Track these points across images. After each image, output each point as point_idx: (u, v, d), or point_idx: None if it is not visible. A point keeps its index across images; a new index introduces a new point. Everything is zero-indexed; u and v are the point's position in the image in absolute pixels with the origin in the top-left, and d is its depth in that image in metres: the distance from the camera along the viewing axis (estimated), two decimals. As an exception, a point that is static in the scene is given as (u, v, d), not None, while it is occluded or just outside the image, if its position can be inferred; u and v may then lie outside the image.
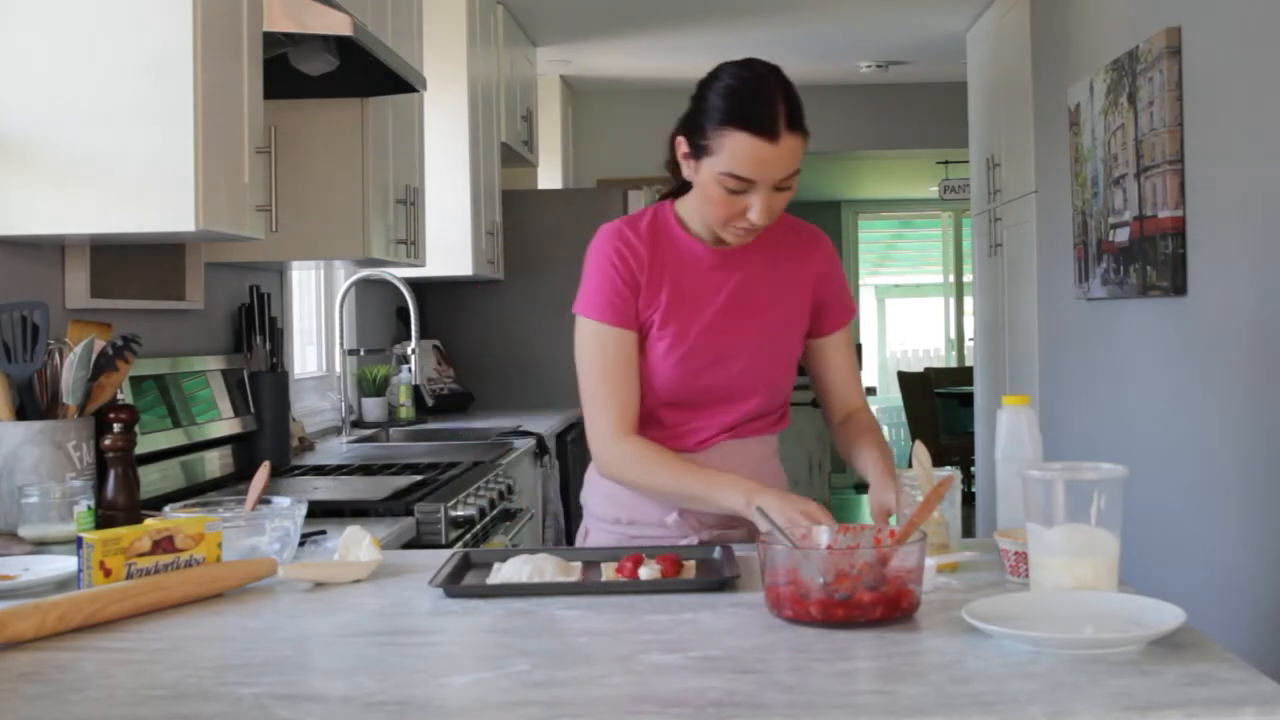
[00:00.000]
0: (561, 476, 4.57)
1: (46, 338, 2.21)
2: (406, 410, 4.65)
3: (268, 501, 1.89)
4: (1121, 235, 3.82)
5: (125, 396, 2.62)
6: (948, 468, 1.88)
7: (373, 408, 4.55)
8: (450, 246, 4.67)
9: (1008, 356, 5.43)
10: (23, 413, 2.20)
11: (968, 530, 2.99)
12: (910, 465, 1.91)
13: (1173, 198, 3.43)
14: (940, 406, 8.66)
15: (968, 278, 9.47)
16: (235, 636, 1.49)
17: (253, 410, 3.28)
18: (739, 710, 1.17)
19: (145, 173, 2.20)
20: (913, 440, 3.80)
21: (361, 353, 4.57)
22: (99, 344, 2.29)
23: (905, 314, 11.53)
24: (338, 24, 2.65)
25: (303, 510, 1.87)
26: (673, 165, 2.05)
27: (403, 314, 5.11)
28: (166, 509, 1.88)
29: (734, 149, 1.87)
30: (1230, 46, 3.18)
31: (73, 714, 1.20)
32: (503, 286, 5.49)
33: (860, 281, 10.78)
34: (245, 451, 3.23)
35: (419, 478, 2.96)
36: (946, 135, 7.25)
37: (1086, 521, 1.47)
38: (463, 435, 4.36)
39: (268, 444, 3.28)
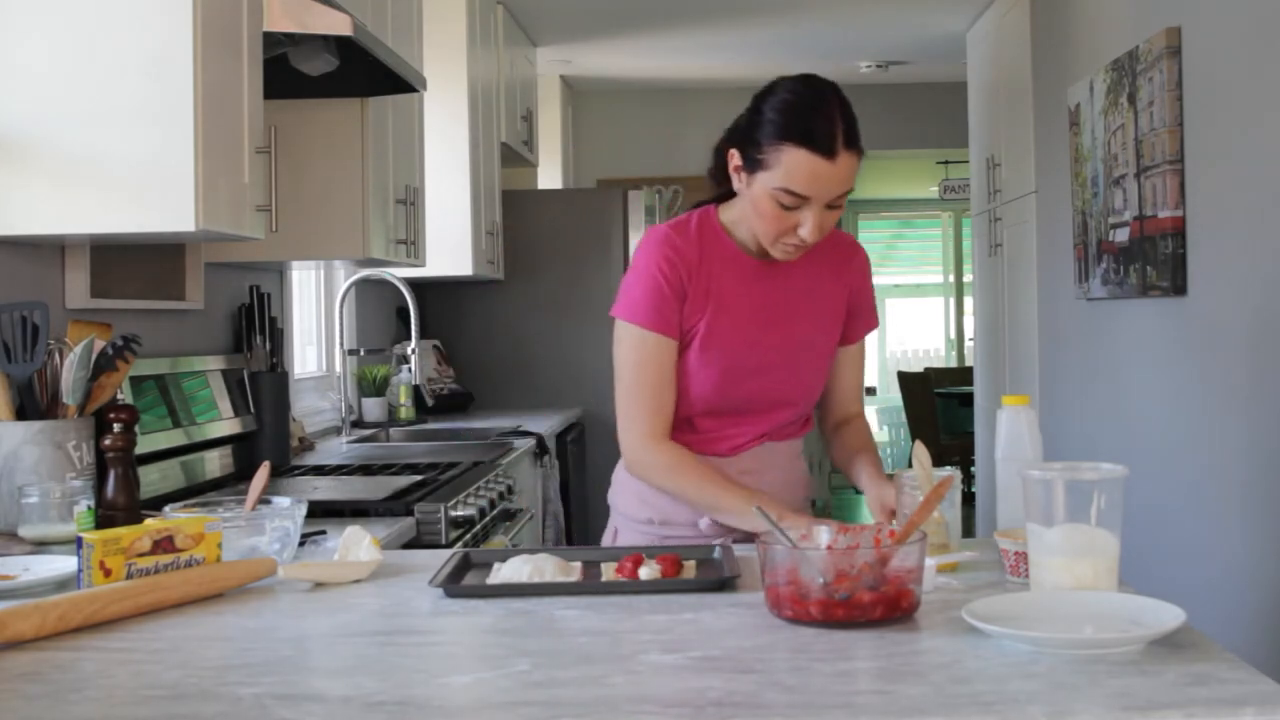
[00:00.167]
0: (561, 476, 4.57)
1: (46, 338, 2.21)
2: (406, 410, 4.65)
3: (268, 501, 1.88)
4: (1121, 235, 3.82)
5: (125, 396, 2.62)
6: (948, 468, 1.88)
7: (373, 408, 4.55)
8: (450, 246, 4.67)
9: (1008, 356, 5.43)
10: (23, 413, 2.20)
11: (968, 530, 2.98)
12: (910, 465, 1.92)
13: (1173, 198, 3.43)
14: (940, 406, 8.65)
15: (968, 278, 9.47)
16: (235, 636, 1.49)
17: (253, 410, 3.28)
18: (739, 710, 1.17)
19: (145, 173, 2.20)
20: (913, 440, 3.80)
21: (361, 353, 4.57)
22: (99, 344, 2.29)
23: (905, 314, 11.53)
24: (338, 24, 2.65)
25: (303, 510, 1.86)
26: (716, 173, 2.05)
27: (403, 314, 5.11)
28: (166, 509, 1.88)
29: (790, 164, 1.87)
30: (1230, 46, 3.18)
31: (73, 714, 1.20)
32: (503, 286, 5.49)
33: (860, 282, 10.75)
34: (245, 451, 3.23)
35: (419, 478, 2.96)
36: (946, 135, 7.25)
37: (1086, 521, 1.47)
38: (463, 435, 4.36)
39: (268, 444, 3.28)
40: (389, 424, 4.53)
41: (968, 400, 6.76)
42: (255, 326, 3.40)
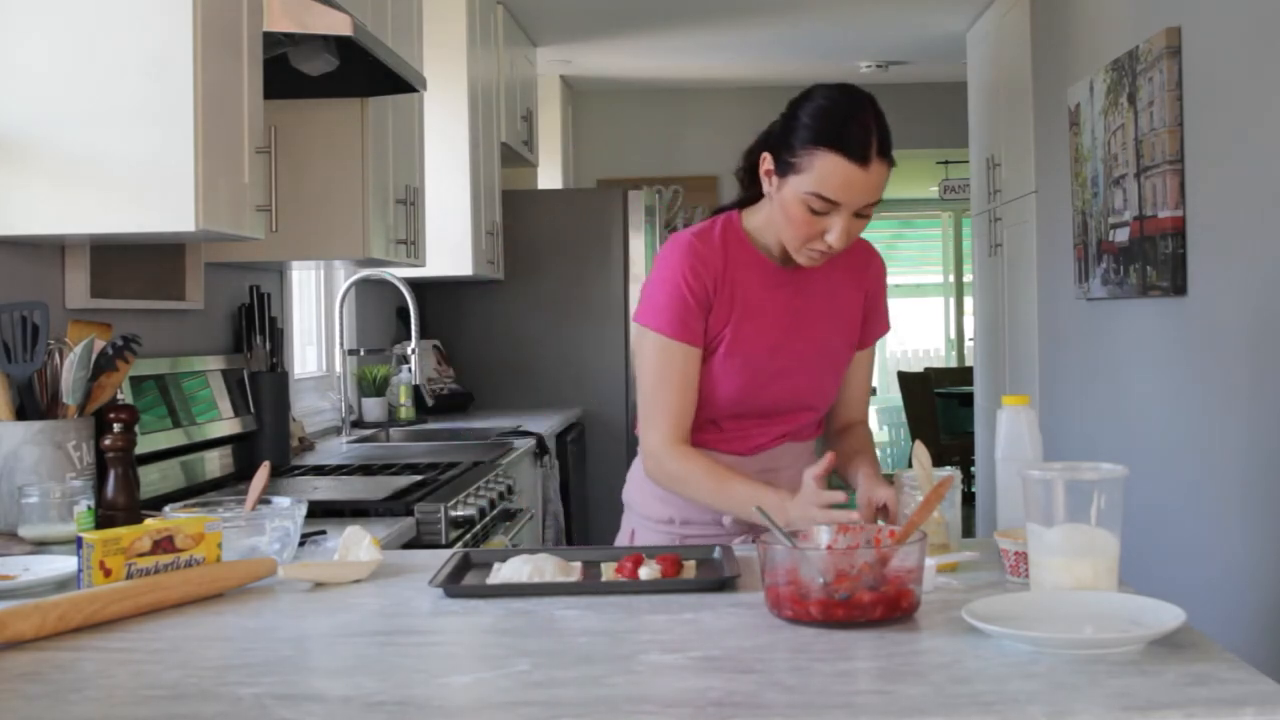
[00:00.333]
0: (561, 476, 4.57)
1: (46, 338, 2.21)
2: (406, 410, 4.65)
3: (268, 501, 1.88)
4: (1121, 235, 3.82)
5: (125, 396, 2.62)
6: (948, 468, 1.88)
7: (373, 408, 4.55)
8: (450, 246, 4.67)
9: (1008, 356, 5.43)
10: (23, 413, 2.20)
11: (968, 530, 2.98)
12: (910, 465, 1.92)
13: (1173, 198, 3.43)
14: (940, 406, 8.65)
15: (968, 278, 9.47)
16: (235, 636, 1.49)
17: (253, 410, 3.28)
18: (739, 710, 1.17)
19: (145, 173, 2.20)
20: (913, 440, 3.80)
21: (361, 353, 4.57)
22: (99, 344, 2.29)
23: (905, 314, 11.53)
24: (338, 24, 2.64)
25: (303, 510, 1.86)
26: (744, 176, 2.06)
27: (403, 314, 5.11)
28: (166, 509, 1.88)
29: (823, 169, 1.88)
30: (1230, 46, 3.18)
31: (73, 714, 1.20)
32: (503, 286, 5.49)
33: (860, 281, 10.74)
34: (245, 451, 3.23)
35: (419, 478, 2.96)
36: (946, 135, 7.25)
37: (1086, 521, 1.47)
38: (463, 435, 4.36)
39: (268, 444, 3.28)
40: (389, 424, 4.53)
41: (968, 400, 6.76)
42: (255, 326, 3.40)
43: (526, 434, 4.23)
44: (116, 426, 2.12)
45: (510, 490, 3.39)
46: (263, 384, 3.31)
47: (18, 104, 2.20)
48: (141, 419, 2.62)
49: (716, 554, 1.84)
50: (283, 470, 3.22)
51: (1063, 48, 4.57)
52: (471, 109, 4.75)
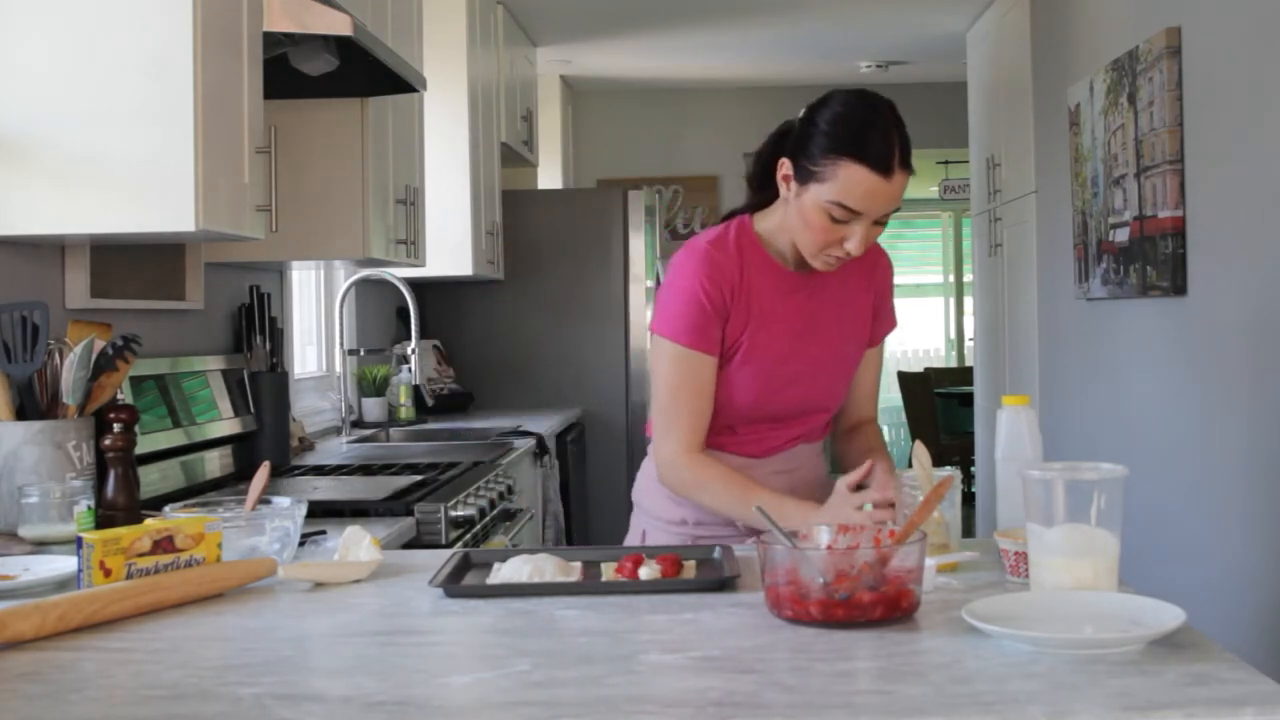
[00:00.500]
0: (561, 476, 4.57)
1: (46, 338, 2.21)
2: (406, 410, 4.65)
3: (268, 501, 1.88)
4: (1121, 235, 3.82)
5: (125, 396, 2.62)
6: (948, 468, 1.88)
7: (373, 408, 4.55)
8: (450, 246, 4.67)
9: (1008, 356, 5.43)
10: (23, 413, 2.20)
11: (968, 530, 2.98)
12: (910, 465, 1.92)
13: (1173, 198, 3.43)
14: (940, 406, 8.65)
15: (968, 278, 9.47)
16: (235, 636, 1.49)
17: (253, 410, 3.28)
18: (739, 710, 1.17)
19: (145, 173, 2.20)
20: (913, 440, 3.80)
21: (361, 353, 4.57)
22: (99, 344, 2.29)
23: (905, 314, 11.48)
24: (338, 24, 2.64)
25: (303, 510, 1.86)
26: (755, 180, 2.06)
27: (403, 314, 5.11)
28: (166, 509, 1.87)
29: (847, 179, 1.89)
30: (1230, 46, 3.18)
31: (73, 714, 1.20)
32: (503, 286, 5.49)
33: (860, 281, 10.73)
34: (245, 451, 3.23)
35: (419, 478, 2.96)
36: (946, 135, 7.25)
37: (1086, 521, 1.47)
38: (463, 435, 4.36)
39: (268, 444, 3.28)
40: (389, 424, 4.53)
41: (968, 400, 6.76)
42: (255, 326, 3.40)
43: (526, 434, 4.23)
44: (116, 426, 2.12)
45: (510, 490, 3.39)
46: (263, 384, 3.31)
47: (18, 104, 2.20)
48: (141, 419, 2.62)
49: (716, 554, 1.84)
50: (283, 470, 3.22)
51: (1063, 48, 4.57)
52: (471, 109, 4.75)
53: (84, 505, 2.06)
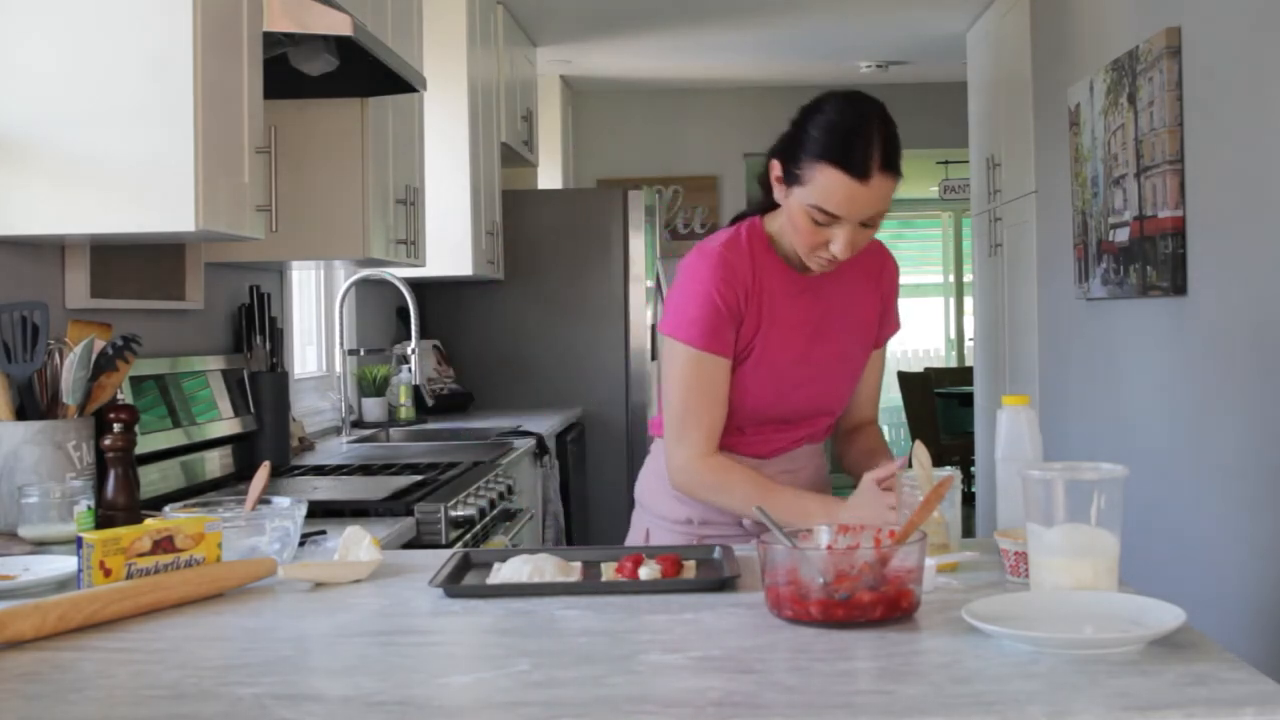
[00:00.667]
0: (561, 476, 4.57)
1: (46, 338, 2.21)
2: (406, 410, 4.65)
3: (268, 501, 1.88)
4: (1121, 235, 3.82)
5: (125, 396, 2.62)
6: (948, 468, 1.88)
7: (373, 408, 4.55)
8: (450, 246, 4.67)
9: (1008, 356, 5.43)
10: (23, 413, 2.20)
11: (968, 530, 2.97)
12: (910, 465, 1.92)
13: (1173, 198, 3.43)
14: (940, 406, 8.65)
15: (968, 278, 9.47)
16: (235, 636, 1.49)
17: (253, 410, 3.28)
18: (739, 710, 1.17)
19: (145, 173, 2.20)
20: (913, 440, 3.80)
21: (361, 353, 4.57)
22: (99, 344, 2.29)
23: (905, 314, 11.49)
24: (338, 24, 2.64)
25: (303, 510, 1.86)
26: (764, 182, 2.07)
27: (403, 314, 5.11)
28: (166, 509, 1.87)
29: (825, 184, 1.90)
30: (1230, 46, 3.18)
31: (73, 714, 1.20)
32: (503, 286, 5.49)
33: (860, 281, 10.74)
34: (245, 451, 3.23)
35: (419, 478, 2.96)
36: (946, 135, 7.25)
37: (1086, 521, 1.47)
38: (463, 435, 4.36)
39: (268, 444, 3.28)
40: (389, 424, 4.53)
41: (968, 400, 6.76)
42: (255, 326, 3.40)
43: (526, 434, 4.23)
44: (116, 426, 2.12)
45: (510, 490, 3.39)
46: (263, 384, 3.31)
47: (18, 104, 2.20)
48: (141, 419, 2.62)
49: (717, 554, 1.84)
50: (283, 470, 3.22)
51: (1063, 48, 4.57)
52: (471, 109, 4.75)
53: (84, 505, 2.06)
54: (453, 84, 4.66)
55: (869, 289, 2.16)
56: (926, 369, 9.56)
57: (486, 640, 1.49)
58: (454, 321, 5.51)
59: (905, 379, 9.00)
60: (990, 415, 4.60)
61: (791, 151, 1.95)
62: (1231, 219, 3.18)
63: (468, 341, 5.51)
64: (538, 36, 6.15)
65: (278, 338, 3.45)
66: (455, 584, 1.67)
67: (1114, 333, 4.05)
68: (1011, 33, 5.20)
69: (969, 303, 8.96)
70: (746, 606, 1.55)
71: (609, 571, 1.75)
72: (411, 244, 3.78)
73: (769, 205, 2.08)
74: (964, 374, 8.72)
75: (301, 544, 2.01)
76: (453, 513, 2.70)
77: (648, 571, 1.69)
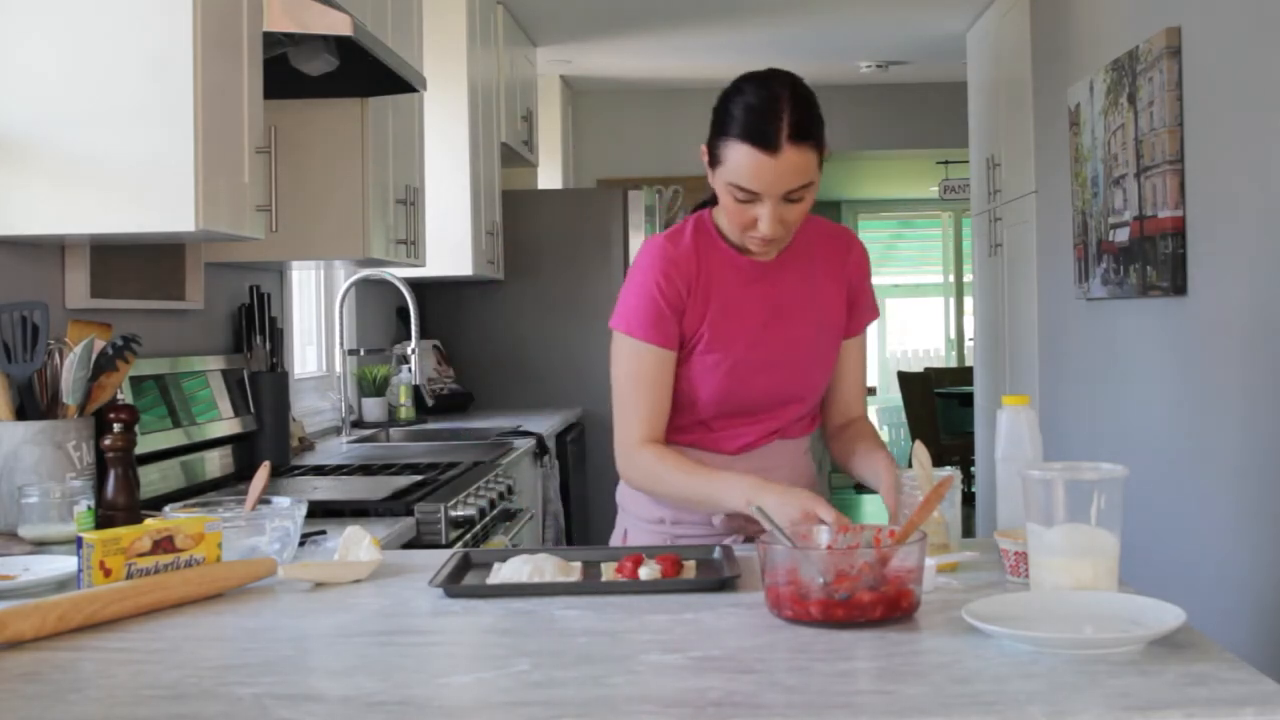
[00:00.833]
0: (561, 476, 4.57)
1: (46, 338, 2.21)
2: (406, 410, 4.65)
3: (268, 501, 1.88)
4: (1121, 235, 3.82)
5: (125, 396, 2.62)
6: (948, 468, 1.88)
7: (373, 408, 4.55)
8: (450, 246, 4.67)
9: (1008, 356, 5.43)
10: (23, 413, 2.20)
11: (968, 530, 2.98)
12: (910, 465, 1.92)
13: (1173, 198, 3.43)
14: (940, 406, 8.65)
15: (968, 278, 9.47)
16: (235, 636, 1.49)
17: (253, 410, 3.28)
18: (739, 710, 1.17)
19: (145, 173, 2.20)
20: (913, 440, 3.80)
21: (361, 353, 4.57)
22: (99, 344, 2.29)
23: (905, 314, 11.53)
24: (338, 24, 2.64)
25: (303, 510, 1.86)
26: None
27: (403, 314, 5.11)
28: (166, 509, 1.87)
29: (737, 160, 1.91)
30: (1230, 46, 3.18)
31: (73, 714, 1.20)
32: (503, 286, 5.49)
33: (860, 281, 10.75)
34: (245, 451, 3.23)
35: (419, 478, 2.96)
36: (946, 135, 7.25)
37: (1086, 521, 1.47)
38: (463, 435, 4.36)
39: (268, 444, 3.28)
40: (389, 424, 4.53)
41: (968, 400, 6.76)
42: (255, 326, 3.40)
43: (526, 434, 4.23)
44: (116, 426, 2.12)
45: (510, 490, 3.39)
46: (263, 384, 3.31)
47: (18, 104, 2.20)
48: (141, 419, 2.62)
49: (716, 554, 1.84)
50: (283, 470, 3.22)
51: (1063, 48, 4.57)
52: (471, 109, 4.75)
53: (84, 505, 2.06)
54: (453, 84, 4.66)
55: (832, 275, 2.13)
56: (926, 369, 9.56)
57: (486, 640, 1.49)
58: (454, 321, 5.51)
59: (905, 379, 9.00)
60: (990, 415, 4.60)
61: (713, 134, 1.97)
62: (1231, 219, 3.18)
63: (468, 341, 5.51)
64: (538, 36, 6.15)
65: (278, 338, 3.45)
66: (455, 584, 1.67)
67: (1114, 333, 4.05)
68: (1011, 33, 5.20)
69: (969, 303, 8.96)
70: (746, 606, 1.55)
71: (609, 571, 1.75)
72: (411, 244, 3.78)
73: (716, 199, 2.10)
74: (964, 374, 8.73)
75: (301, 544, 2.01)
76: (453, 513, 2.70)
77: (648, 571, 1.69)
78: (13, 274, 2.41)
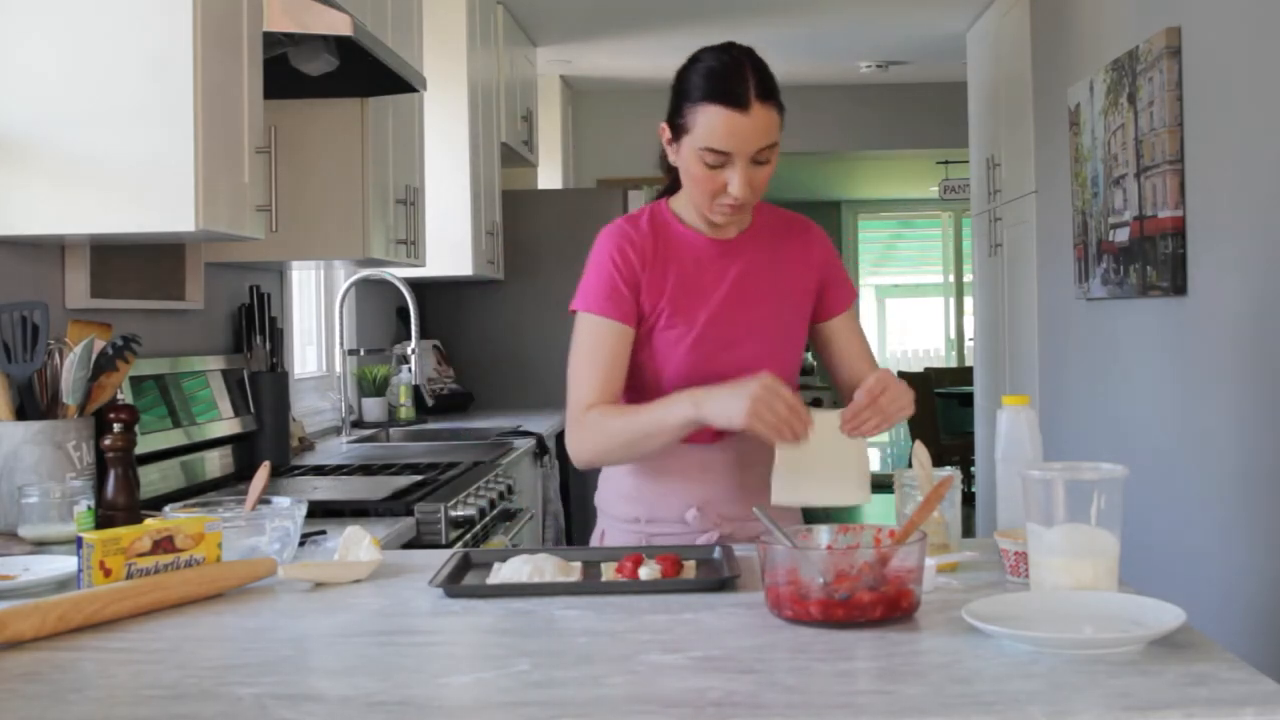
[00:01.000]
0: (561, 476, 4.57)
1: (46, 338, 2.21)
2: (406, 410, 4.65)
3: (268, 501, 1.88)
4: (1121, 235, 3.82)
5: (125, 396, 2.62)
6: (948, 468, 1.88)
7: (373, 408, 4.55)
8: (450, 246, 4.67)
9: (1008, 356, 5.43)
10: (23, 413, 2.20)
11: (968, 530, 2.98)
12: (910, 465, 1.92)
13: (1173, 198, 3.43)
14: (940, 406, 8.66)
15: (968, 278, 9.47)
16: (235, 636, 1.49)
17: (253, 410, 3.28)
18: (739, 710, 1.17)
19: (145, 173, 2.20)
20: (913, 440, 3.80)
21: (361, 353, 4.57)
22: (99, 344, 2.29)
23: (905, 314, 11.53)
24: (338, 24, 2.65)
25: (303, 510, 1.86)
26: (666, 165, 2.12)
27: (403, 314, 5.11)
28: (166, 509, 1.87)
29: (708, 122, 1.94)
30: (1230, 46, 3.18)
31: (73, 714, 1.20)
32: (503, 286, 5.49)
33: (860, 281, 10.78)
34: (245, 451, 3.23)
35: (419, 478, 2.96)
36: (946, 135, 7.25)
37: (1086, 521, 1.47)
38: (463, 435, 4.36)
39: (268, 444, 3.28)
40: (389, 424, 4.53)
41: (968, 400, 6.76)
42: (255, 326, 3.40)
43: (526, 434, 4.23)
44: (116, 426, 2.12)
45: (510, 490, 3.39)
46: (263, 384, 3.31)
47: (18, 104, 2.20)
48: (141, 419, 2.62)
49: (716, 554, 1.84)
50: (283, 470, 3.22)
51: (1063, 48, 4.57)
52: (471, 109, 4.75)
53: (84, 505, 2.06)
54: (453, 84, 4.66)
55: (796, 256, 2.14)
56: (926, 369, 9.57)
57: (486, 640, 1.49)
58: (454, 321, 5.51)
59: (905, 379, 8.98)
60: (990, 415, 4.60)
61: (675, 107, 1.99)
62: (1231, 219, 3.18)
63: (468, 341, 5.51)
64: (538, 36, 6.15)
65: (278, 338, 3.45)
66: (455, 584, 1.67)
67: (1114, 333, 4.05)
68: (1011, 33, 5.20)
69: (969, 303, 8.97)
70: (746, 606, 1.55)
71: (609, 571, 1.75)
72: (411, 244, 3.78)
73: (671, 190, 2.13)
74: (964, 374, 8.73)
75: (301, 544, 2.01)
76: (453, 513, 2.70)
77: (648, 571, 1.69)
78: (13, 274, 2.41)
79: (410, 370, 4.35)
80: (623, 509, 2.12)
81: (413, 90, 3.33)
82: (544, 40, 6.22)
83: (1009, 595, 1.50)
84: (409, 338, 4.11)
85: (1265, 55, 2.98)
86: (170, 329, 3.04)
